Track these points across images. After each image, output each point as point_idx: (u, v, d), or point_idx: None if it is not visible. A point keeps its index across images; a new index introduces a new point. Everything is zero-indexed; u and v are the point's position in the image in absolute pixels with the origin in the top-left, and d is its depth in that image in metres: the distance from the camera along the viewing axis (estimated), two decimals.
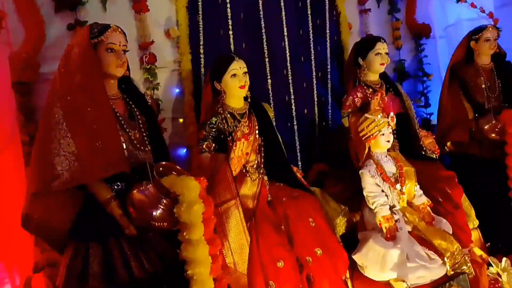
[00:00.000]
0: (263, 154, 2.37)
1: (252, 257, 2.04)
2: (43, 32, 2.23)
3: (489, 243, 2.78)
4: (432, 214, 2.21)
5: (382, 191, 2.14)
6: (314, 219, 2.12)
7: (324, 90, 3.18)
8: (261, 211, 2.21)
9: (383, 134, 2.15)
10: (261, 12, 2.82)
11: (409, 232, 2.11)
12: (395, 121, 2.16)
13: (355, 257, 2.09)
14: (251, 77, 2.81)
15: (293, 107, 2.97)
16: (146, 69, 2.51)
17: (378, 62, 2.78)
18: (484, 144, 2.94)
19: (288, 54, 2.94)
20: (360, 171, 2.19)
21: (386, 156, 2.20)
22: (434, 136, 2.90)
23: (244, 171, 2.31)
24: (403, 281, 1.94)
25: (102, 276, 1.55)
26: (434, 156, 2.81)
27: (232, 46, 2.72)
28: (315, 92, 3.10)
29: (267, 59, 2.86)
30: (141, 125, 1.78)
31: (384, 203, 2.11)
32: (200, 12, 2.63)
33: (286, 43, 2.92)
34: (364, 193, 2.16)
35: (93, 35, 1.69)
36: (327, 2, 3.14)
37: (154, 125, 1.84)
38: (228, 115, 2.33)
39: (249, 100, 2.44)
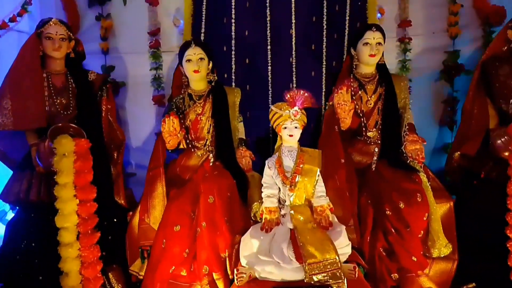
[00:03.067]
0: (213, 134, 2.63)
1: (163, 218, 2.40)
2: (78, 23, 3.01)
3: (473, 284, 2.30)
4: (330, 220, 2.05)
5: (276, 184, 2.13)
6: (215, 197, 2.28)
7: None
8: (193, 182, 2.51)
9: (285, 128, 2.11)
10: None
11: (291, 229, 2.05)
12: (300, 116, 2.07)
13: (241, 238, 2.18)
14: (250, 63, 3.02)
15: None
16: (151, 52, 3.05)
17: (367, 53, 2.56)
18: (497, 162, 2.33)
19: (294, 41, 2.97)
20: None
21: (291, 151, 2.14)
22: (425, 143, 2.48)
23: (190, 146, 2.63)
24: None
25: (15, 193, 2.26)
26: (417, 166, 2.43)
27: (233, 33, 2.97)
28: (324, 82, 3.03)
29: (269, 47, 2.98)
30: (70, 95, 2.36)
31: (271, 195, 2.11)
32: (205, 3, 2.98)
33: (294, 30, 2.96)
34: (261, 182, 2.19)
35: (38, 27, 2.35)
36: None
37: (86, 95, 2.39)
38: (187, 96, 2.66)
39: (213, 84, 2.69)
